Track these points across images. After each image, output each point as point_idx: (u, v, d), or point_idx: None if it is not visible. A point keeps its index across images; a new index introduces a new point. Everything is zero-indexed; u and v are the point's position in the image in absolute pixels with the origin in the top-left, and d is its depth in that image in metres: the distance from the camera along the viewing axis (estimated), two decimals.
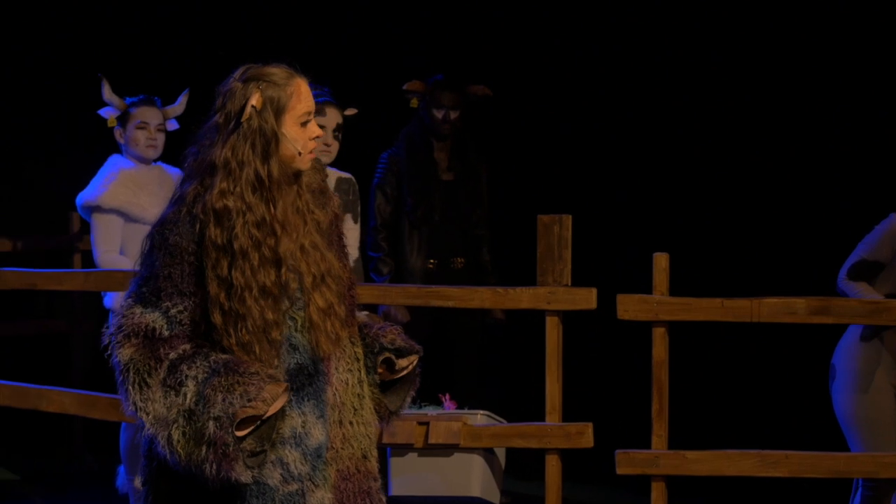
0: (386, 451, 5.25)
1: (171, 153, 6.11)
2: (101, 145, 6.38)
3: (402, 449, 5.14)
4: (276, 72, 3.34)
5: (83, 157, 6.36)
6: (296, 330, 3.31)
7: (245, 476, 3.16)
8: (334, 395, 3.34)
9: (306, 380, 3.30)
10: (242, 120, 3.29)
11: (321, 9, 8.09)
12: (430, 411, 5.20)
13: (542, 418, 5.26)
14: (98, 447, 7.79)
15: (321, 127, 5.78)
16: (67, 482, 7.39)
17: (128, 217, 6.00)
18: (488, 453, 5.21)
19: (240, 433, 3.15)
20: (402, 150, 6.78)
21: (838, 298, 5.19)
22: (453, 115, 6.78)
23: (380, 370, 3.43)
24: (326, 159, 5.70)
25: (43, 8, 7.98)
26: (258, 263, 3.27)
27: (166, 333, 3.24)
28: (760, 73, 7.41)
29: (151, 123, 6.10)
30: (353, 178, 5.92)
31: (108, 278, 5.72)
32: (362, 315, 3.50)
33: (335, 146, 5.73)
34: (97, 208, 5.99)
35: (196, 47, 7.90)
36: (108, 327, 3.29)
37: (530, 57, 7.74)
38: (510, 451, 5.57)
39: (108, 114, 6.12)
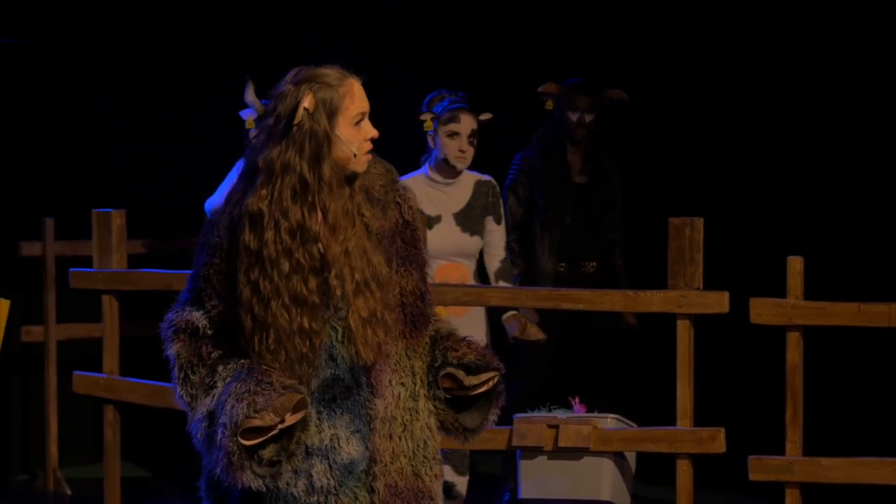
0: (516, 454, 5.24)
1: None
2: (234, 147, 6.43)
3: (532, 452, 5.13)
4: (329, 73, 3.26)
5: (216, 158, 6.43)
6: (337, 340, 3.22)
7: (255, 483, 3.10)
8: (385, 408, 3.24)
9: (341, 392, 3.21)
10: (294, 122, 3.21)
11: (459, 11, 8.10)
12: (560, 414, 5.18)
13: (673, 423, 5.21)
14: None
15: (456, 134, 5.86)
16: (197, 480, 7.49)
17: None
18: (618, 457, 5.17)
19: (248, 441, 3.08)
20: (535, 151, 6.76)
21: None
22: (588, 118, 6.73)
23: (445, 385, 3.28)
24: (462, 165, 5.78)
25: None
26: (290, 270, 3.18)
27: (210, 332, 3.23)
28: None
29: None
30: (492, 180, 5.93)
31: None
32: (447, 325, 3.35)
33: (470, 151, 5.78)
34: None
35: (334, 48, 7.94)
36: (163, 321, 3.30)
37: (665, 59, 7.68)
38: (640, 456, 5.53)
39: (248, 116, 6.14)
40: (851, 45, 7.32)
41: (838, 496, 6.21)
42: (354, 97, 3.25)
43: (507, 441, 5.20)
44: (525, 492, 5.15)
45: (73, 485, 7.43)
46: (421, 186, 5.74)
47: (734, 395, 6.82)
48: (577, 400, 5.31)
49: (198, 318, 3.24)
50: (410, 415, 3.26)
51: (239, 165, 6.16)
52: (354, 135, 3.24)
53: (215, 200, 6.08)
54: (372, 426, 3.21)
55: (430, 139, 5.81)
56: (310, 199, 3.21)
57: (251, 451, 3.09)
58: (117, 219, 5.96)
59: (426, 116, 5.80)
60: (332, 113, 3.23)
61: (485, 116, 5.86)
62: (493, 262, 5.93)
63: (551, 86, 6.76)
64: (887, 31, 7.20)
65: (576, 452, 5.07)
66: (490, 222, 5.86)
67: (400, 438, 3.25)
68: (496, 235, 5.89)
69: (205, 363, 3.22)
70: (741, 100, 7.58)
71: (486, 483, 6.96)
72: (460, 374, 3.25)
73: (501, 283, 5.89)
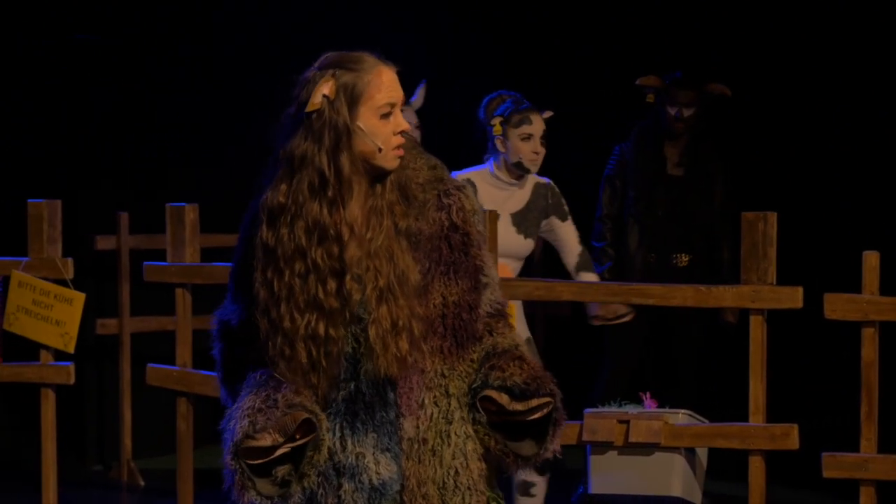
0: (586, 449, 5.21)
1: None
2: None
3: (602, 447, 5.11)
4: (357, 57, 2.96)
5: None
6: (359, 352, 2.96)
7: (262, 502, 2.88)
8: (416, 428, 2.98)
9: (364, 408, 2.96)
10: (308, 109, 2.92)
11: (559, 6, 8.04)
12: (631, 410, 5.15)
13: (746, 419, 5.17)
14: None
15: (529, 136, 5.69)
16: None
17: None
18: (689, 453, 5.14)
19: (253, 461, 2.86)
20: (629, 144, 6.76)
21: None
22: (686, 112, 6.68)
23: (486, 407, 2.98)
24: (536, 168, 5.71)
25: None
26: (304, 271, 2.92)
27: (242, 334, 3.03)
28: None
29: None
30: (550, 182, 5.86)
31: None
32: (508, 340, 3.04)
33: (543, 153, 5.71)
34: None
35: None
36: (213, 318, 3.15)
37: (750, 55, 7.57)
38: (713, 452, 5.49)
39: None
40: None
41: None
42: (382, 86, 2.95)
43: (578, 436, 5.18)
44: (595, 487, 5.13)
45: (146, 476, 7.50)
46: (483, 182, 5.70)
47: (808, 392, 6.76)
48: (647, 395, 5.28)
49: (233, 317, 3.06)
50: (441, 438, 2.99)
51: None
52: (380, 127, 2.95)
53: None
54: (401, 447, 2.97)
55: (498, 143, 5.71)
56: (330, 194, 2.94)
57: (262, 469, 2.88)
58: (191, 213, 5.99)
59: (496, 121, 5.70)
60: (353, 101, 2.94)
61: (548, 114, 5.81)
62: (571, 258, 5.88)
63: (651, 78, 6.72)
64: None
65: (647, 448, 5.04)
66: (554, 222, 5.82)
67: (429, 463, 2.98)
68: (565, 232, 5.84)
69: (238, 367, 3.04)
70: (816, 93, 7.50)
71: (558, 476, 6.95)
72: (503, 398, 2.94)
73: (584, 276, 5.85)
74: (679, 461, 5.03)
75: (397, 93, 2.98)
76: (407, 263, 2.97)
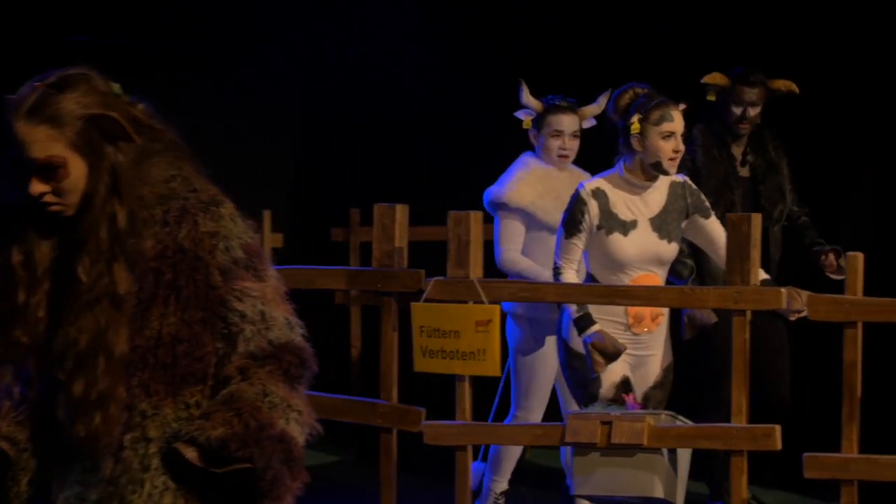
0: (569, 450, 5.22)
1: (585, 153, 6.07)
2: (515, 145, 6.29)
3: (585, 448, 5.11)
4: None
5: (495, 155, 6.42)
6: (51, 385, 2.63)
7: None
8: (112, 469, 2.65)
9: (63, 447, 2.65)
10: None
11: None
12: (614, 411, 5.16)
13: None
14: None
15: (670, 134, 5.23)
16: None
17: (532, 218, 5.97)
18: (672, 454, 5.14)
19: None
20: (696, 146, 6.41)
21: None
22: (752, 112, 6.41)
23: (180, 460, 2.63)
24: (675, 169, 5.33)
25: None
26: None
27: None
28: None
29: (566, 131, 6.03)
30: (686, 178, 5.48)
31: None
32: (245, 388, 2.63)
33: (682, 151, 5.34)
34: (503, 206, 6.01)
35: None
36: None
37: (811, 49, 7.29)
38: (697, 453, 5.50)
39: (526, 115, 6.12)
40: None
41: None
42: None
43: (560, 437, 5.18)
44: (577, 488, 5.13)
45: None
46: (615, 188, 5.33)
47: (792, 393, 6.76)
48: (631, 397, 5.28)
49: None
50: (134, 486, 2.63)
51: (522, 159, 6.18)
52: None
53: (494, 190, 6.06)
54: (98, 491, 2.63)
55: (635, 142, 5.28)
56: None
57: None
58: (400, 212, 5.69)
59: (634, 119, 5.27)
60: None
61: (683, 106, 5.38)
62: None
63: (717, 76, 6.43)
64: None
65: (629, 449, 5.05)
66: (698, 221, 5.42)
67: None
68: (712, 229, 5.41)
69: None
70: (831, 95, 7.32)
71: (540, 476, 6.96)
72: (189, 453, 2.59)
73: None
74: (661, 462, 5.04)
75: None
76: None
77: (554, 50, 7.90)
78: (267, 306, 2.71)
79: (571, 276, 5.34)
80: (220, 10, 8.39)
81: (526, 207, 5.93)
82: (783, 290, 5.17)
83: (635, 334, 5.35)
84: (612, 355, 5.22)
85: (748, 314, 5.19)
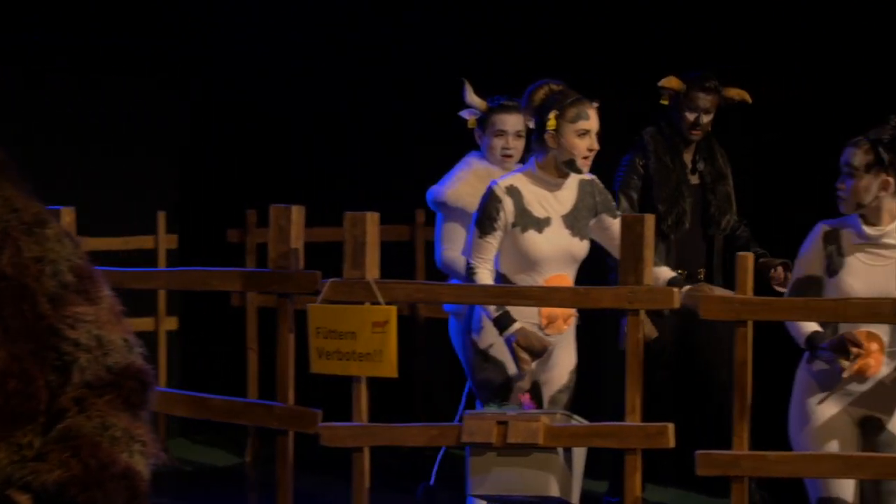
0: (465, 451, 5.25)
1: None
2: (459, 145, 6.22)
3: (481, 448, 5.14)
4: None
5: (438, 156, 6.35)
6: None
7: None
8: None
9: None
10: None
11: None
12: (510, 411, 5.19)
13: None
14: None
15: (586, 132, 5.18)
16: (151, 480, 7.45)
17: (471, 218, 5.75)
18: (568, 453, 5.19)
19: None
20: (648, 152, 6.36)
21: None
22: (705, 118, 6.35)
23: None
24: (587, 168, 5.31)
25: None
26: None
27: None
28: None
29: (510, 131, 5.94)
30: (594, 177, 5.46)
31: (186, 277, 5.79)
32: (83, 424, 2.43)
33: (596, 150, 5.30)
34: (443, 205, 5.93)
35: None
36: None
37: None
38: (594, 451, 5.55)
39: (470, 115, 6.04)
40: None
41: (786, 490, 6.25)
42: None
43: (457, 437, 5.21)
44: (474, 489, 5.16)
45: None
46: (529, 185, 5.29)
47: (684, 392, 6.84)
48: (527, 397, 5.32)
49: None
50: None
51: (465, 159, 6.10)
52: None
53: (435, 189, 5.99)
54: None
55: (549, 139, 5.25)
56: None
57: None
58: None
59: (551, 115, 5.23)
60: None
61: (596, 104, 5.32)
62: None
63: (673, 80, 6.36)
64: None
65: (525, 449, 5.08)
66: (605, 220, 5.40)
67: None
68: (618, 228, 5.34)
69: None
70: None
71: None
72: (23, 499, 2.36)
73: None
74: (556, 461, 5.08)
75: None
76: None
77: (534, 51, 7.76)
78: (102, 330, 2.51)
79: (487, 275, 5.28)
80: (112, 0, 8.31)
81: (465, 207, 5.85)
82: (676, 290, 5.23)
83: (548, 335, 5.37)
84: (538, 352, 5.17)
85: (642, 314, 5.26)
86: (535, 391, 5.38)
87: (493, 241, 5.28)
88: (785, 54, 7.15)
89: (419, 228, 8.11)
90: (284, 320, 5.60)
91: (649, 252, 5.25)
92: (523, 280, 5.31)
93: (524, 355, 5.17)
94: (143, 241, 8.17)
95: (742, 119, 6.84)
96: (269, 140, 8.73)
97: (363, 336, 5.34)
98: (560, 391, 5.45)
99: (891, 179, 4.96)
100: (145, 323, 8.10)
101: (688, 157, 6.46)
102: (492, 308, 5.27)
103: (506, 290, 5.34)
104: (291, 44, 8.51)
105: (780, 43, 7.18)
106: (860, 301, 5.02)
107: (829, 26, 7.20)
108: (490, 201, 5.27)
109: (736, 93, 6.42)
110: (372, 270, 5.45)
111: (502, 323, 5.23)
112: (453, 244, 5.90)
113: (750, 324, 5.15)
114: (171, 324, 8.26)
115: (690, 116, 6.36)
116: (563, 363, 5.44)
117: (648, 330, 5.80)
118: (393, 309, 5.39)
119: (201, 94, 8.75)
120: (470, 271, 5.30)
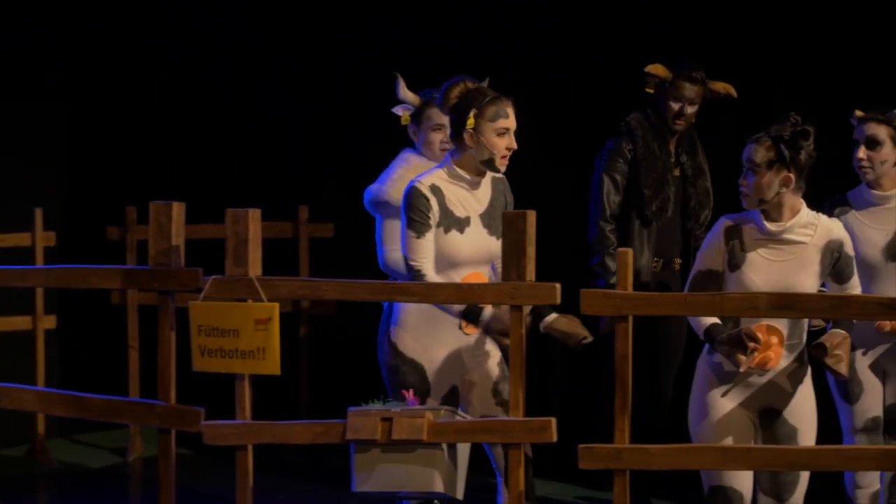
0: (350, 447, 5.24)
1: None
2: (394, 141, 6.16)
3: (366, 445, 5.14)
4: None
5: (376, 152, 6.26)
6: None
7: None
8: None
9: None
10: None
11: None
12: (394, 407, 5.19)
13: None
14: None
15: (505, 130, 5.05)
16: (31, 481, 7.36)
17: None
18: (452, 449, 5.21)
19: None
20: (635, 138, 6.29)
21: (801, 294, 5.19)
22: (690, 109, 6.30)
23: None
24: (504, 167, 5.27)
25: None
26: None
27: None
28: None
29: (447, 124, 5.67)
30: (503, 176, 5.43)
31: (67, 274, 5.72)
32: None
33: (514, 150, 5.27)
34: (384, 204, 5.83)
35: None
36: None
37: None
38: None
39: (404, 111, 5.91)
40: None
41: (668, 482, 6.34)
42: None
43: (342, 434, 5.20)
44: (358, 485, 5.16)
45: None
46: (448, 184, 5.27)
47: (568, 386, 6.91)
48: (411, 393, 5.33)
49: None
50: None
51: (402, 155, 5.98)
52: None
53: (374, 188, 5.89)
54: None
55: (468, 137, 5.20)
56: None
57: None
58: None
59: (470, 114, 5.18)
60: None
61: (512, 100, 5.26)
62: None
63: (660, 68, 6.30)
64: None
65: (409, 445, 5.09)
66: None
67: None
68: None
69: None
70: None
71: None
72: None
73: None
74: (441, 457, 5.10)
75: None
76: None
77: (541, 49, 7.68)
78: None
79: (435, 276, 5.24)
80: None
81: None
82: (557, 285, 5.26)
83: (467, 335, 5.38)
84: (507, 331, 5.13)
85: (525, 309, 5.29)
86: (453, 396, 5.39)
87: (430, 238, 5.25)
88: (785, 54, 7.18)
89: (303, 225, 8.09)
90: (165, 318, 5.55)
91: (531, 248, 5.28)
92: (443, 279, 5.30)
93: (505, 341, 5.16)
94: (19, 239, 8.05)
95: (739, 119, 6.82)
96: (150, 135, 8.65)
97: (246, 334, 5.32)
98: (497, 382, 5.44)
99: (792, 176, 5.05)
100: (23, 322, 8.00)
101: (671, 148, 6.42)
102: (456, 307, 5.19)
103: (390, 287, 5.34)
104: (184, 36, 8.44)
105: (779, 43, 7.21)
106: (736, 295, 5.10)
107: (828, 26, 7.23)
108: (417, 200, 5.24)
109: (722, 86, 6.39)
110: (254, 267, 5.42)
111: (473, 314, 5.20)
112: (397, 244, 5.78)
113: (630, 319, 5.20)
114: (49, 322, 8.14)
115: (675, 106, 6.33)
116: (492, 357, 5.47)
117: (581, 331, 5.79)
118: (275, 306, 5.37)
119: (83, 88, 8.65)
120: (417, 274, 5.27)
